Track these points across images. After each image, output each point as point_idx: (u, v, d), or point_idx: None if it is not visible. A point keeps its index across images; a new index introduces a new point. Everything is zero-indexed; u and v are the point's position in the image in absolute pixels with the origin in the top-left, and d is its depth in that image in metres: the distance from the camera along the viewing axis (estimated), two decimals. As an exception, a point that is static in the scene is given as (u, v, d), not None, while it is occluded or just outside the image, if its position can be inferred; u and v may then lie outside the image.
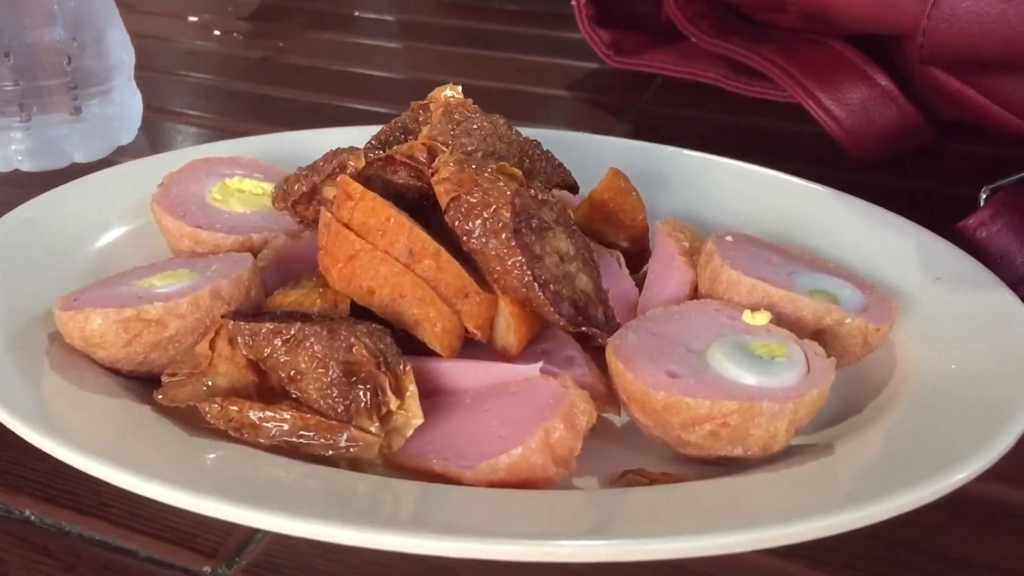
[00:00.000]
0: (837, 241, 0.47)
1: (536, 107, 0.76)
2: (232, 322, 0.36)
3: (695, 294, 0.42)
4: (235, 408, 0.34)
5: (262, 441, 0.34)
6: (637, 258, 0.46)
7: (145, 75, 0.68)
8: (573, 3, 0.75)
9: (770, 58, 0.61)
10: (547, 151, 0.44)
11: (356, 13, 0.98)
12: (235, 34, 0.90)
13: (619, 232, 0.45)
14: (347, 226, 0.38)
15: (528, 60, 0.86)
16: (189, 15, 0.96)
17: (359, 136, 0.49)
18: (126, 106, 0.64)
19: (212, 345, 0.37)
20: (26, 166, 0.60)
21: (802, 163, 0.56)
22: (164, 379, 0.37)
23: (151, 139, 0.66)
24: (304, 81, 0.79)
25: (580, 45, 0.78)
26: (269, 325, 0.35)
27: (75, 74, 0.59)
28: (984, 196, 0.48)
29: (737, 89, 0.67)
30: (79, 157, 0.61)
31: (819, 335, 0.39)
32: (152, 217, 0.46)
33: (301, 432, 0.34)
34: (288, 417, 0.34)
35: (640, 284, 0.44)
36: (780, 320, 0.39)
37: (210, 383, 0.36)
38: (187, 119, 0.71)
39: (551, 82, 0.79)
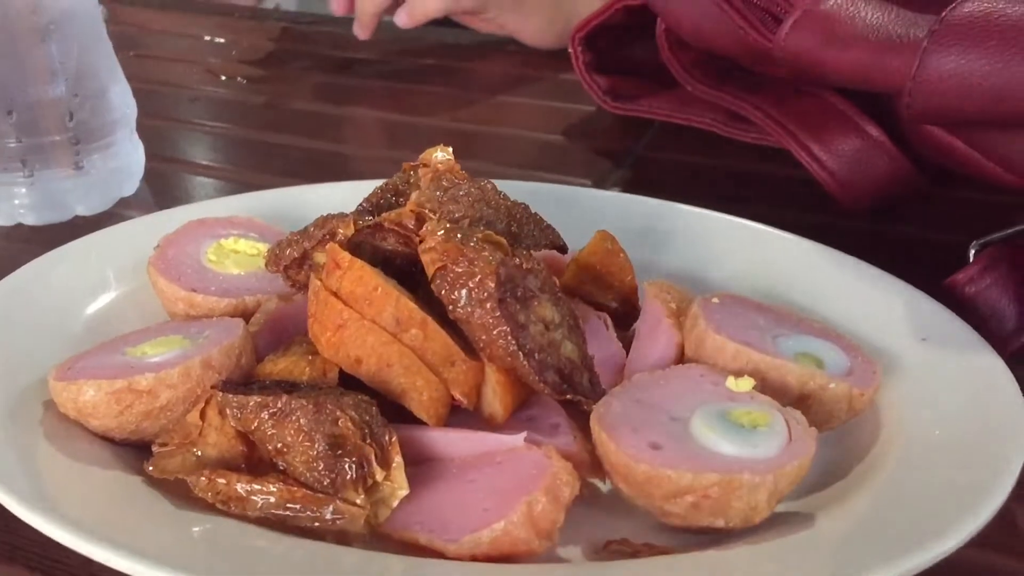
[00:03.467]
0: (825, 299, 0.48)
1: (533, 151, 0.77)
2: (221, 394, 0.37)
3: (682, 356, 0.42)
4: (222, 481, 0.35)
5: (249, 513, 0.35)
6: (627, 317, 0.46)
7: (149, 122, 0.69)
8: (570, 50, 0.76)
9: (763, 108, 0.61)
10: (535, 213, 0.45)
11: (357, 55, 0.99)
12: (239, 78, 0.91)
13: (607, 293, 0.45)
14: (335, 294, 0.39)
15: (525, 103, 0.87)
16: (195, 60, 0.97)
17: (353, 192, 0.50)
18: (128, 159, 0.64)
19: (203, 415, 0.37)
20: (29, 220, 0.61)
21: (796, 208, 0.56)
22: (155, 449, 0.37)
23: (154, 190, 0.67)
24: (305, 127, 0.80)
25: (577, 87, 0.79)
26: (256, 398, 0.36)
27: (77, 129, 0.60)
28: (973, 251, 0.48)
29: (732, 135, 0.67)
30: (82, 210, 0.62)
31: (803, 399, 0.39)
32: (148, 278, 0.46)
33: (288, 505, 0.35)
34: (275, 490, 0.35)
35: (629, 343, 0.44)
36: (765, 385, 0.39)
37: (200, 453, 0.37)
38: (190, 168, 0.72)
39: (548, 125, 0.80)
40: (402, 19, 0.93)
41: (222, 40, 1.04)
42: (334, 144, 0.77)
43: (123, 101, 0.64)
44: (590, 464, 0.37)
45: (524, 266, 0.39)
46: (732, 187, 0.69)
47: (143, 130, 0.66)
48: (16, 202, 0.60)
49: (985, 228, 0.49)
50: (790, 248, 0.51)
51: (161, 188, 0.68)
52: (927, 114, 0.47)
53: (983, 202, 0.58)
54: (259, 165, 0.73)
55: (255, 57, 0.99)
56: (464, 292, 0.38)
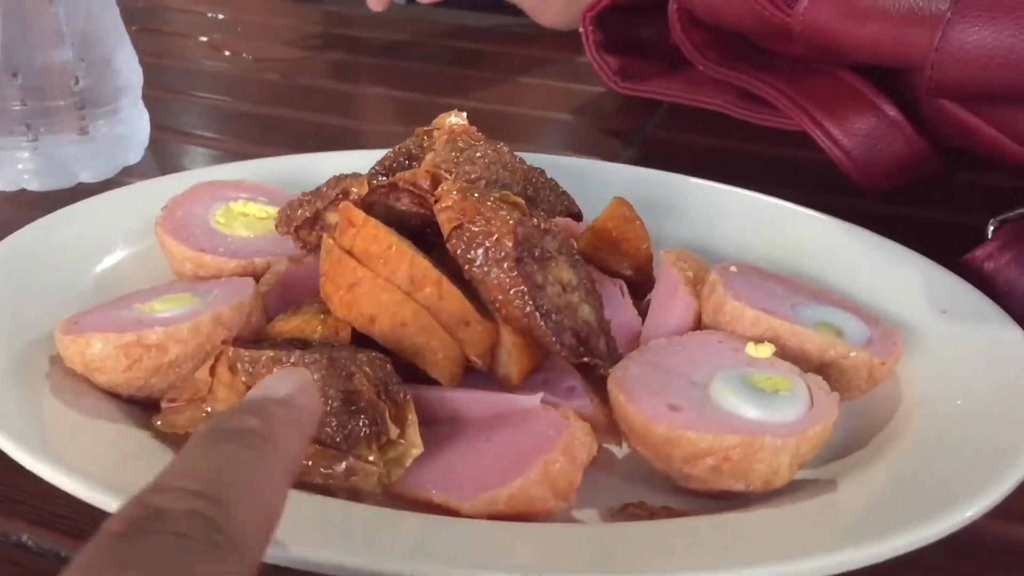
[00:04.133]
0: (843, 272, 0.47)
1: (542, 131, 0.76)
2: (232, 349, 0.36)
3: (699, 324, 0.42)
4: (233, 436, 0.34)
5: (260, 469, 0.34)
6: (641, 287, 0.46)
7: (154, 94, 0.68)
8: (580, 29, 0.75)
9: (777, 87, 0.61)
10: (551, 179, 0.44)
11: (365, 34, 0.99)
12: (244, 54, 0.91)
13: (623, 261, 0.45)
14: (349, 253, 0.38)
15: (535, 83, 0.86)
16: (200, 35, 0.96)
17: (364, 160, 0.49)
18: (134, 126, 0.64)
19: (212, 371, 0.36)
20: (33, 185, 0.60)
21: (809, 191, 0.55)
22: (163, 405, 0.37)
23: (158, 159, 0.66)
24: (312, 102, 0.79)
25: (587, 68, 0.78)
26: (269, 353, 0.35)
27: (83, 95, 0.59)
28: (991, 228, 0.48)
29: (744, 116, 0.66)
30: (86, 177, 0.61)
31: (823, 368, 0.38)
32: (156, 239, 0.46)
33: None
34: (286, 446, 0.34)
35: (644, 313, 0.44)
36: (784, 353, 0.38)
37: (209, 409, 0.36)
38: (195, 139, 0.71)
39: (558, 106, 0.79)
40: None
41: (227, 16, 1.03)
42: (343, 119, 0.76)
43: (129, 67, 0.63)
44: (606, 427, 0.37)
45: (542, 226, 0.38)
46: (742, 168, 0.68)
47: (148, 102, 0.66)
48: (20, 167, 0.59)
49: (1003, 209, 0.49)
50: (806, 222, 0.50)
51: (166, 158, 0.67)
52: (949, 88, 0.46)
53: (1001, 183, 0.58)
54: (265, 138, 0.72)
55: (261, 34, 0.98)
56: (481, 251, 0.37)
